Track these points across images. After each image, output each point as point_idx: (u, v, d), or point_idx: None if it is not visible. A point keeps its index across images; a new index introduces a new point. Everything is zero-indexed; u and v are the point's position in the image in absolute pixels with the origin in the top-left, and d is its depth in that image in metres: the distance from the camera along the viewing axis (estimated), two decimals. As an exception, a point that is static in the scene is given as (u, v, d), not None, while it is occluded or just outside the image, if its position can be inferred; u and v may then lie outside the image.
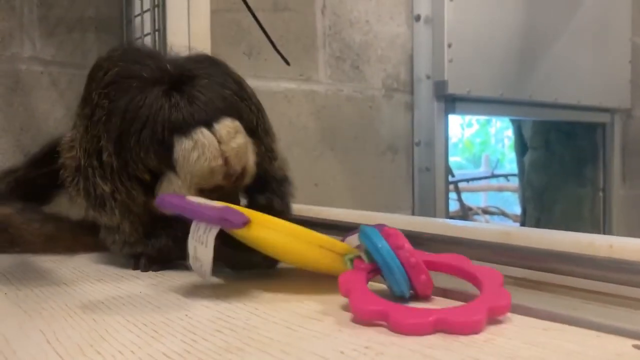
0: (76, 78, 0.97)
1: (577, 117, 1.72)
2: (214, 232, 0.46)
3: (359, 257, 0.47)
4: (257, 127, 0.60)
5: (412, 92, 1.38)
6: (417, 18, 1.37)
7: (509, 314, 0.43)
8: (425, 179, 1.37)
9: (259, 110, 0.61)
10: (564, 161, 1.94)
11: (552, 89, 1.55)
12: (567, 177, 1.93)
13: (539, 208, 2.00)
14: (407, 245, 0.45)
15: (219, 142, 0.54)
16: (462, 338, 0.37)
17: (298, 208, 0.81)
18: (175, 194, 0.53)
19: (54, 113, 0.96)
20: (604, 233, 1.80)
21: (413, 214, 1.37)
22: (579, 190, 1.90)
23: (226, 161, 0.55)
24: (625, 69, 1.74)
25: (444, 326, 0.38)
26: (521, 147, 2.10)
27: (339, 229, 0.74)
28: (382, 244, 0.45)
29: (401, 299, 0.45)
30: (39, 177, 0.82)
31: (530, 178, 2.03)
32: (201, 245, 0.46)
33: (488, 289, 0.42)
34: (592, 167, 1.87)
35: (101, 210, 0.59)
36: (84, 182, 0.60)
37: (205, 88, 0.55)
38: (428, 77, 1.36)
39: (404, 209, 1.38)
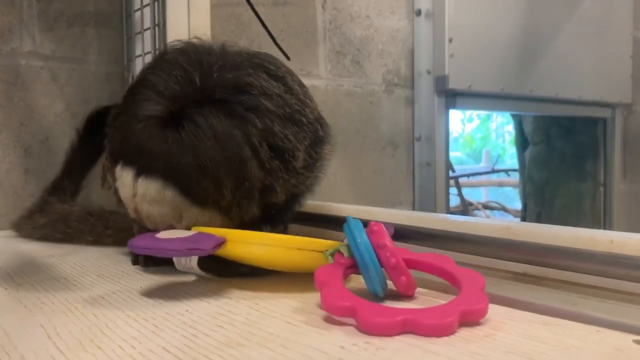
0: (76, 73, 0.97)
1: (578, 112, 1.71)
2: (194, 259, 0.48)
3: (339, 252, 0.46)
4: (229, 211, 0.53)
5: (412, 87, 1.38)
6: (418, 12, 1.36)
7: (509, 309, 0.43)
8: (426, 174, 1.37)
9: (250, 193, 0.53)
10: (564, 156, 1.94)
11: (553, 83, 1.55)
12: (568, 172, 1.93)
13: (540, 203, 2.00)
14: (390, 244, 0.44)
15: (134, 195, 0.52)
16: (462, 333, 0.37)
17: (298, 203, 0.81)
18: (145, 235, 0.50)
19: (54, 108, 0.96)
20: (605, 228, 1.80)
21: (413, 209, 1.37)
22: (580, 185, 1.90)
23: (137, 211, 0.54)
24: (627, 64, 1.74)
25: (412, 327, 0.37)
26: (522, 142, 2.10)
27: (339, 223, 0.75)
28: (361, 239, 0.44)
29: (377, 296, 0.45)
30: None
31: (531, 173, 2.03)
32: (188, 270, 0.49)
33: (466, 292, 0.41)
34: (592, 162, 1.87)
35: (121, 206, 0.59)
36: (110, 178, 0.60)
37: (177, 140, 0.50)
38: (429, 72, 1.36)
39: (405, 204, 1.38)
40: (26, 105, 0.93)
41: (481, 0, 1.40)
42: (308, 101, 0.58)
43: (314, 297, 0.46)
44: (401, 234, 0.66)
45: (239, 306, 0.44)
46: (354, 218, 0.47)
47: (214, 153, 0.49)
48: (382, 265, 0.44)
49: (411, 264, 0.46)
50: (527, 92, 1.50)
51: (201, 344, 0.36)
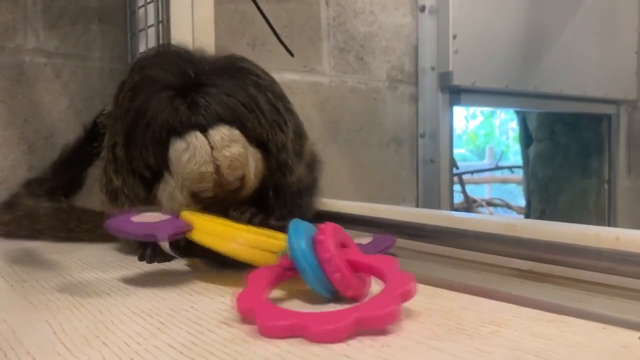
0: (79, 69, 0.97)
1: (583, 108, 1.71)
2: (164, 243, 0.50)
3: (285, 254, 0.44)
4: (267, 141, 0.59)
5: (416, 84, 1.38)
6: (422, 9, 1.36)
7: (515, 306, 0.43)
8: (430, 170, 1.37)
9: (273, 124, 0.60)
10: (569, 153, 1.93)
11: (557, 80, 1.54)
12: (572, 168, 1.92)
13: (544, 200, 1.99)
14: (330, 240, 0.42)
15: (212, 147, 0.54)
16: (468, 330, 0.37)
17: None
18: (122, 216, 0.52)
19: (58, 104, 0.96)
20: (609, 225, 1.79)
21: (417, 205, 1.37)
22: (584, 182, 1.89)
23: (218, 168, 0.54)
24: (632, 60, 1.73)
25: (301, 332, 0.35)
26: (526, 138, 2.10)
27: (343, 220, 0.75)
28: (297, 240, 0.42)
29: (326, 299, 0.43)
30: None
31: (535, 170, 2.02)
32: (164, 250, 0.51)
33: (377, 297, 0.38)
34: (597, 159, 1.87)
35: (114, 203, 0.61)
36: (104, 177, 0.63)
37: (209, 95, 0.56)
38: (433, 69, 1.35)
39: (408, 200, 1.37)
40: (30, 102, 0.94)
41: (485, -3, 1.40)
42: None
43: (318, 294, 0.46)
44: (405, 231, 0.66)
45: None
46: (301, 222, 0.45)
47: (240, 93, 0.57)
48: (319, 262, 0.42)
49: (355, 265, 0.43)
50: (532, 88, 1.50)
51: (206, 340, 0.36)
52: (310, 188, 0.67)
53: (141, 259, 0.61)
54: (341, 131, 1.27)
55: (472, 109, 5.68)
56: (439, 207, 1.35)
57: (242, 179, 0.57)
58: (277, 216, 0.61)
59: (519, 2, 1.47)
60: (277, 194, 0.63)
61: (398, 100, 1.36)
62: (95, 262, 0.61)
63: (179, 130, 0.54)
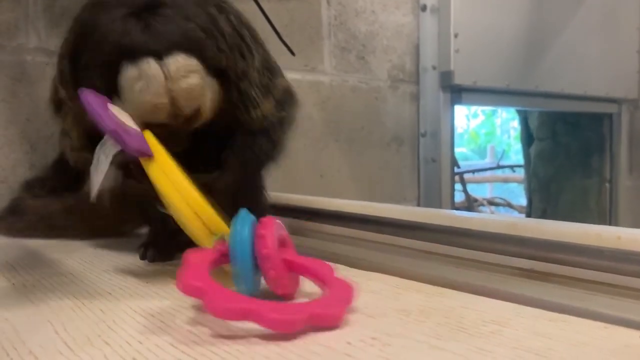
0: (81, 69, 0.97)
1: (584, 107, 1.71)
2: (115, 149, 0.46)
3: (223, 239, 0.43)
4: (227, 68, 0.55)
5: (417, 83, 1.38)
6: (423, 8, 1.36)
7: (516, 305, 0.43)
8: (431, 169, 1.37)
9: (234, 49, 0.55)
10: (570, 152, 1.93)
11: (558, 79, 1.54)
12: (574, 168, 1.92)
13: (545, 199, 1.99)
14: (270, 237, 0.41)
15: (167, 78, 0.50)
16: (469, 329, 0.37)
17: (303, 199, 0.81)
18: (99, 96, 0.49)
19: (60, 104, 0.96)
20: (611, 224, 1.79)
21: (418, 205, 1.37)
22: (586, 181, 1.89)
23: (173, 100, 0.50)
24: (633, 59, 1.73)
25: (254, 318, 0.35)
26: (527, 137, 2.10)
27: (344, 220, 0.75)
28: (241, 230, 0.41)
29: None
30: None
31: (537, 169, 2.02)
32: (103, 158, 0.46)
33: (326, 297, 0.40)
34: (598, 158, 1.86)
35: (58, 113, 0.59)
36: (52, 88, 0.60)
37: (166, 18, 0.51)
38: (434, 68, 1.35)
39: (410, 200, 1.37)
40: (32, 101, 0.94)
41: (487, -5, 1.40)
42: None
43: (318, 293, 0.46)
44: (406, 229, 0.66)
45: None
46: (248, 213, 0.44)
47: (201, 17, 0.53)
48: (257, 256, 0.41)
49: (291, 265, 0.43)
50: (533, 87, 1.50)
51: (208, 339, 0.36)
52: (278, 126, 0.60)
53: (142, 258, 0.61)
54: (342, 130, 1.27)
55: (473, 108, 5.68)
56: (440, 206, 1.35)
57: (197, 110, 0.53)
58: (232, 164, 0.57)
59: (521, 2, 1.47)
60: (239, 133, 0.58)
61: (399, 99, 1.36)
62: (96, 262, 0.62)
63: (131, 56, 0.49)
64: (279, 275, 0.41)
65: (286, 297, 0.43)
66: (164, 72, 0.49)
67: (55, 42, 0.95)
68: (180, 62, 0.50)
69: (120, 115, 0.48)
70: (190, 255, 0.41)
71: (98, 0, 0.55)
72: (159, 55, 0.50)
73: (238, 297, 0.37)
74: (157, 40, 0.50)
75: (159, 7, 0.51)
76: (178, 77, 0.50)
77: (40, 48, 0.94)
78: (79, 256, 0.65)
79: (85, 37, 0.53)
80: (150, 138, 0.49)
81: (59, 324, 0.40)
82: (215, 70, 0.54)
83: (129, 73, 0.49)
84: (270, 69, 0.60)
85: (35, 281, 0.53)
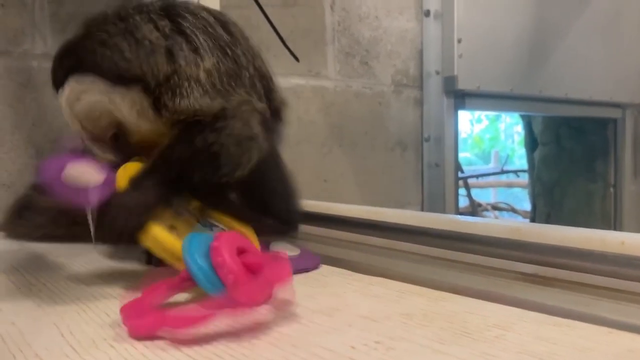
0: (87, 74, 0.98)
1: (588, 112, 1.71)
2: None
3: None
4: (145, 75, 0.52)
5: (421, 88, 1.38)
6: (427, 13, 1.36)
7: (520, 310, 0.43)
8: (435, 174, 1.37)
9: (156, 54, 0.53)
10: (574, 157, 1.93)
11: (562, 84, 1.54)
12: (578, 172, 1.92)
13: (549, 204, 1.99)
14: (223, 246, 0.41)
15: (69, 104, 0.53)
16: (473, 333, 0.37)
17: (307, 204, 0.82)
18: (61, 158, 0.50)
19: (65, 109, 0.96)
20: (615, 229, 1.79)
21: (422, 209, 1.37)
22: (590, 186, 1.89)
23: (81, 123, 0.53)
24: (637, 64, 1.73)
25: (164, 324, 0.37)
26: (531, 142, 2.09)
27: (348, 224, 0.75)
28: (188, 249, 0.41)
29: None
30: None
31: (541, 174, 2.02)
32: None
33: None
34: (602, 163, 1.86)
35: None
36: None
37: (65, 47, 0.54)
38: (437, 73, 1.36)
39: (413, 204, 1.37)
40: (38, 106, 0.94)
41: (490, 1, 1.40)
42: (246, 48, 0.61)
43: (323, 298, 0.47)
44: (410, 234, 0.66)
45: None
46: (197, 234, 0.44)
47: (94, 34, 0.53)
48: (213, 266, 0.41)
49: (252, 267, 0.42)
50: (537, 92, 1.50)
51: (213, 343, 0.36)
52: (211, 125, 0.53)
53: (148, 262, 0.61)
54: (346, 135, 1.28)
55: (477, 113, 5.68)
56: (444, 211, 1.35)
57: (120, 124, 0.54)
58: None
59: (524, 6, 1.47)
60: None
61: (403, 104, 1.37)
62: (101, 265, 0.62)
63: (57, 86, 0.54)
64: (238, 278, 0.40)
65: (255, 304, 0.41)
66: (66, 99, 0.53)
67: (61, 47, 0.96)
68: (72, 86, 0.52)
69: (80, 172, 0.49)
70: (144, 288, 0.42)
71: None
72: (62, 86, 0.53)
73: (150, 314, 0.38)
74: (58, 70, 0.54)
75: (83, 39, 0.54)
76: (72, 102, 0.52)
77: (46, 54, 0.95)
78: (84, 260, 0.65)
79: None
80: (120, 174, 0.50)
81: (65, 327, 0.40)
82: (132, 78, 0.52)
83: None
84: (235, 79, 0.57)
85: (41, 285, 0.53)
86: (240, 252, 0.43)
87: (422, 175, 1.39)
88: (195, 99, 0.53)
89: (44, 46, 0.95)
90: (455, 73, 1.32)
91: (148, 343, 0.36)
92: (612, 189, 1.84)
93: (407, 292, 0.49)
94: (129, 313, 0.39)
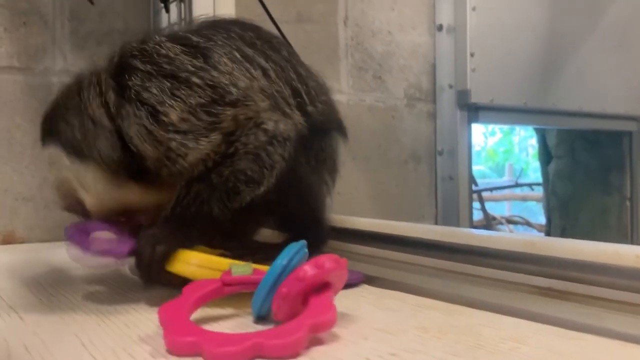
0: (105, 90, 1.00)
1: (603, 125, 1.70)
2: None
3: (230, 270, 0.45)
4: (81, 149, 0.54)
5: (434, 101, 1.39)
6: (440, 27, 1.37)
7: (535, 323, 0.43)
8: (449, 188, 1.37)
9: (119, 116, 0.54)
10: (589, 170, 1.92)
11: (576, 97, 1.54)
12: (593, 185, 1.90)
13: (565, 217, 1.97)
14: (307, 275, 0.40)
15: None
16: (487, 346, 0.37)
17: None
18: (80, 230, 0.54)
19: (84, 124, 0.98)
20: (632, 243, 1.77)
21: (436, 223, 1.37)
22: (605, 199, 1.87)
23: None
24: (652, 77, 1.72)
25: (261, 352, 0.35)
26: (545, 155, 2.08)
27: (362, 237, 0.75)
28: (284, 260, 0.41)
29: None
30: None
31: (555, 187, 2.01)
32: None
33: (313, 304, 0.39)
34: (618, 176, 1.85)
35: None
36: None
37: (53, 104, 0.59)
38: (450, 87, 1.36)
39: (427, 218, 1.37)
40: (58, 121, 0.96)
41: (503, 15, 1.41)
42: (233, 72, 0.56)
43: (340, 312, 0.47)
44: (424, 248, 0.66)
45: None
46: (300, 248, 0.43)
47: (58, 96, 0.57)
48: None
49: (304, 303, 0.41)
50: (550, 105, 1.49)
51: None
52: (225, 166, 0.54)
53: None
54: (359, 149, 1.28)
55: (491, 126, 5.65)
56: (458, 224, 1.34)
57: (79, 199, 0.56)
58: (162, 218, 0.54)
59: (537, 19, 1.48)
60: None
61: (416, 117, 1.37)
62: (119, 277, 0.63)
63: None
64: (277, 310, 0.41)
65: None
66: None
67: (80, 64, 0.98)
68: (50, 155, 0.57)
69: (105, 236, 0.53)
70: (185, 288, 0.43)
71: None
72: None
73: (191, 331, 0.37)
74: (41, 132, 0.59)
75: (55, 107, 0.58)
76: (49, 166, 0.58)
77: (66, 70, 0.97)
78: (103, 273, 0.66)
79: None
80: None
81: (86, 338, 0.41)
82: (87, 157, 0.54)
83: None
84: (214, 102, 0.54)
85: (61, 296, 0.54)
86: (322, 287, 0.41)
87: (436, 188, 1.39)
88: (188, 153, 0.53)
89: (64, 63, 0.97)
90: (469, 87, 1.33)
91: (166, 353, 0.37)
92: (628, 202, 1.82)
93: (422, 305, 0.50)
94: (169, 324, 0.38)
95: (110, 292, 0.56)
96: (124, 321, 0.45)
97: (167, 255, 0.50)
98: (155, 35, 0.58)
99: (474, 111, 1.37)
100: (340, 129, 0.72)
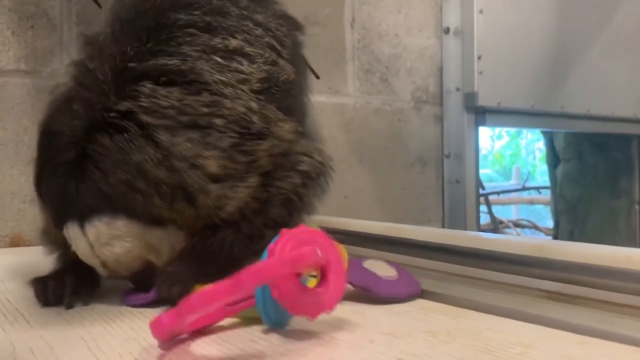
0: (112, 93, 1.00)
1: (611, 128, 1.69)
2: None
3: None
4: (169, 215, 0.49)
5: (441, 104, 1.38)
6: (447, 30, 1.37)
7: (543, 328, 0.42)
8: (456, 191, 1.36)
9: (173, 193, 0.47)
10: (597, 173, 1.91)
11: (584, 100, 1.53)
12: (601, 189, 1.89)
13: (573, 221, 1.96)
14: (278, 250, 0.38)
15: (91, 245, 0.48)
16: (495, 351, 0.37)
17: (327, 220, 0.82)
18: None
19: (91, 127, 0.99)
20: (641, 247, 1.75)
21: (443, 226, 1.36)
22: (614, 203, 1.86)
23: (104, 264, 0.49)
24: (661, 79, 1.71)
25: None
26: (553, 159, 2.07)
27: (369, 241, 0.75)
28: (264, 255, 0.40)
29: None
30: None
31: (563, 190, 2.00)
32: None
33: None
34: (627, 179, 1.83)
35: None
36: None
37: (83, 179, 0.47)
38: (457, 89, 1.36)
39: (434, 221, 1.37)
40: (65, 124, 0.97)
41: (510, 17, 1.40)
42: (235, 92, 0.50)
43: (343, 313, 0.47)
44: (431, 251, 0.66)
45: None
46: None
47: (122, 168, 0.46)
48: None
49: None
50: (558, 108, 1.49)
51: (235, 357, 0.37)
52: (254, 215, 0.52)
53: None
54: (366, 151, 1.28)
55: (498, 129, 5.64)
56: (465, 228, 1.33)
57: (147, 262, 0.50)
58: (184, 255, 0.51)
59: (544, 22, 1.47)
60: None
61: (423, 120, 1.37)
62: (127, 282, 0.63)
63: (61, 218, 0.49)
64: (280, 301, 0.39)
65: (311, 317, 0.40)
66: (87, 238, 0.47)
67: (88, 67, 0.98)
68: (100, 229, 0.47)
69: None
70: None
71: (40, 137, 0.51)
72: (80, 220, 0.47)
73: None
74: (75, 205, 0.47)
75: (85, 160, 0.47)
76: (101, 245, 0.47)
77: (74, 73, 0.97)
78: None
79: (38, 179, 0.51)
80: None
81: (92, 341, 0.41)
82: (155, 220, 0.48)
83: (65, 232, 0.49)
84: (251, 135, 0.50)
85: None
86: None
87: (443, 191, 1.38)
88: (228, 204, 0.50)
89: (72, 66, 0.97)
90: (476, 89, 1.32)
91: (173, 357, 0.37)
92: (637, 206, 1.81)
93: (429, 309, 0.49)
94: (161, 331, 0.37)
95: (116, 296, 0.56)
96: (131, 325, 0.45)
97: (184, 294, 0.44)
98: (136, 87, 0.48)
99: (481, 114, 1.36)
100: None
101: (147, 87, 0.48)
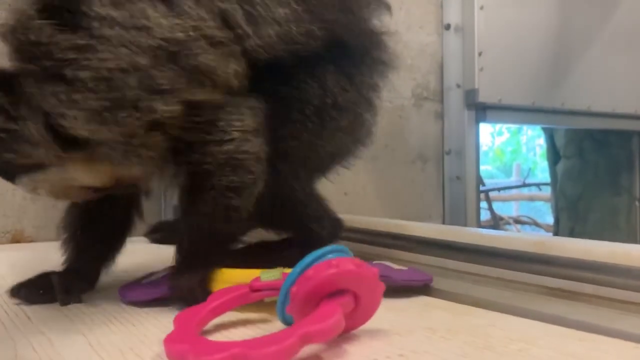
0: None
1: (612, 125, 1.68)
2: None
3: (259, 277, 0.44)
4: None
5: (442, 101, 1.38)
6: (447, 27, 1.37)
7: (544, 324, 0.42)
8: (456, 187, 1.36)
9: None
10: (598, 170, 1.90)
11: (585, 96, 1.52)
12: (602, 186, 1.89)
13: (573, 218, 1.96)
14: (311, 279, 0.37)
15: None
16: (496, 347, 0.37)
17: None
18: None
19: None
20: (641, 243, 1.75)
21: (443, 223, 1.36)
22: (615, 200, 1.86)
23: (57, 196, 0.51)
24: (662, 76, 1.70)
25: (309, 340, 0.33)
26: (554, 155, 2.07)
27: (369, 237, 0.75)
28: (302, 262, 0.39)
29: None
30: None
31: (564, 187, 2.00)
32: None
33: (318, 311, 0.36)
34: (627, 176, 1.83)
35: None
36: None
37: None
38: (458, 86, 1.35)
39: (434, 218, 1.37)
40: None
41: (511, 13, 1.40)
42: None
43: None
44: (432, 248, 0.66)
45: (273, 320, 0.45)
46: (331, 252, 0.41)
47: None
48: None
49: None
50: (559, 105, 1.48)
51: (237, 354, 0.37)
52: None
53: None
54: (366, 148, 1.28)
55: (498, 125, 5.63)
56: (465, 224, 1.33)
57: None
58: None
59: (545, 18, 1.47)
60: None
61: (423, 117, 1.37)
62: (126, 276, 0.63)
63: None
64: (290, 311, 0.38)
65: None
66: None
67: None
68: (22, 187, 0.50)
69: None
70: (179, 314, 0.40)
71: None
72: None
73: (221, 346, 0.34)
74: None
75: None
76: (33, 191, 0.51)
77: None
78: (110, 272, 0.66)
79: None
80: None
81: (93, 338, 0.41)
82: None
83: None
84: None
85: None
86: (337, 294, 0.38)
87: (443, 188, 1.38)
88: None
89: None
90: (476, 86, 1.32)
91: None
92: (637, 203, 1.80)
93: (430, 305, 0.49)
94: (173, 331, 0.37)
95: (117, 292, 0.56)
96: (132, 321, 0.45)
97: (204, 297, 0.44)
98: None
99: (481, 111, 1.36)
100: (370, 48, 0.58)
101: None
